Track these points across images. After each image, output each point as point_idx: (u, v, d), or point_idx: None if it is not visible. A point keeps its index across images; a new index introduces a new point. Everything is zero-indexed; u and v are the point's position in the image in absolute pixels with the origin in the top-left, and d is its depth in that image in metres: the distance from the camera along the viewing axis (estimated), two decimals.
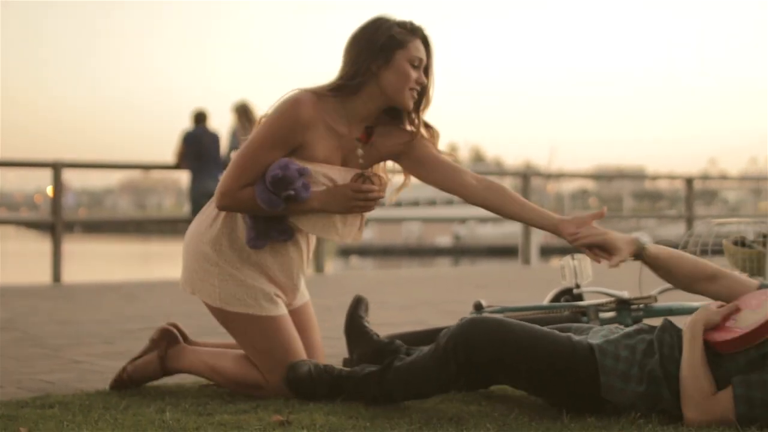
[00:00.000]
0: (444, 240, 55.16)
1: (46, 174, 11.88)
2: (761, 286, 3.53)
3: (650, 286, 4.91)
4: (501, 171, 51.11)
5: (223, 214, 3.85)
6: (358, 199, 3.74)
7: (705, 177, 31.92)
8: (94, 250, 36.13)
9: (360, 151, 3.84)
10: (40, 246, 39.75)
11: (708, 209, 49.79)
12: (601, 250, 3.66)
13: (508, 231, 40.40)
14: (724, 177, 55.14)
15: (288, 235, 3.81)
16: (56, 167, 11.55)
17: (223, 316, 3.85)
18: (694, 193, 17.77)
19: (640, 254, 3.63)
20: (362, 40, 3.78)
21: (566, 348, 3.39)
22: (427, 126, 3.92)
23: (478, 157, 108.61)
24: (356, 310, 4.08)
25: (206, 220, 3.90)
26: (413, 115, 3.87)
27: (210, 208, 3.91)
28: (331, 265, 36.13)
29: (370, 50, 3.75)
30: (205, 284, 3.85)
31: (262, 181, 3.70)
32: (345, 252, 50.56)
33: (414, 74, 3.77)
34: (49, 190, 11.92)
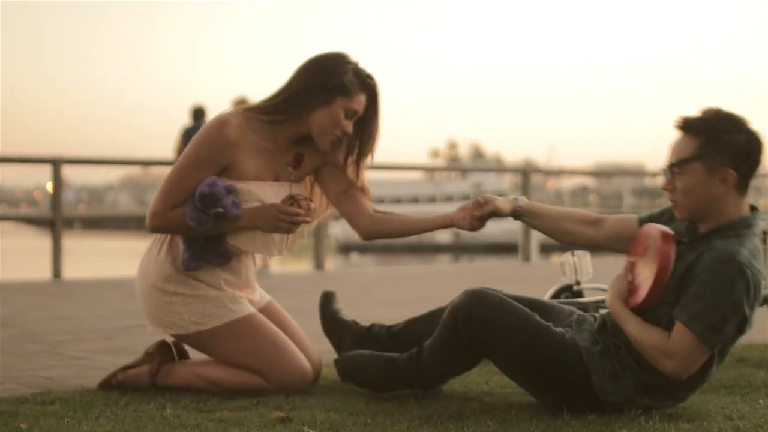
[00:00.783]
0: (444, 237, 55.08)
1: (46, 170, 11.88)
2: (640, 221, 3.64)
3: None
4: (501, 168, 51.16)
5: (164, 247, 3.88)
6: (284, 220, 3.77)
7: None
8: (94, 246, 36.16)
9: (290, 168, 3.88)
10: (39, 242, 39.75)
11: None
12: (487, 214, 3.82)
13: (508, 228, 40.36)
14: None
15: (225, 258, 3.85)
16: (56, 163, 11.54)
17: (202, 339, 3.83)
18: None
19: (517, 211, 3.79)
20: (315, 73, 3.85)
21: (560, 342, 3.40)
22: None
23: (477, 154, 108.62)
24: (327, 308, 4.10)
25: (149, 261, 3.92)
26: (348, 160, 3.98)
27: (151, 251, 3.94)
28: (332, 262, 36.11)
29: (318, 86, 3.82)
30: (173, 317, 3.84)
31: (191, 200, 3.74)
32: (345, 249, 50.56)
33: (344, 122, 3.86)
34: (49, 186, 11.93)
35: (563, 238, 3.79)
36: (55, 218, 11.54)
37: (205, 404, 3.59)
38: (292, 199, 3.79)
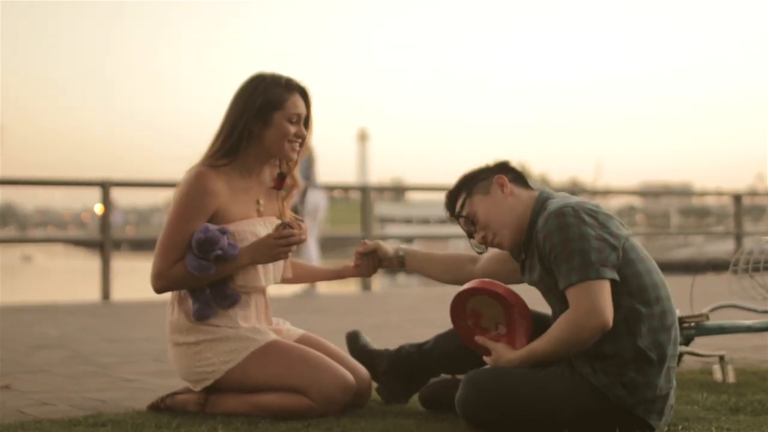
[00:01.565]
0: None
1: (94, 193, 12.00)
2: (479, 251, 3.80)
3: (702, 304, 4.87)
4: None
5: (175, 306, 3.90)
6: (281, 245, 3.80)
7: (753, 193, 31.61)
8: (141, 267, 36.33)
9: (261, 201, 3.96)
10: (88, 263, 40.05)
11: (757, 225, 49.32)
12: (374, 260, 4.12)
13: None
14: None
15: (233, 300, 3.86)
16: (105, 186, 11.66)
17: (237, 378, 3.82)
18: (743, 209, 17.61)
19: (400, 256, 4.14)
20: (240, 104, 3.88)
21: (565, 382, 3.38)
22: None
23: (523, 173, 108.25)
24: (355, 345, 4.13)
25: (167, 325, 3.94)
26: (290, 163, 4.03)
27: (166, 316, 3.96)
28: (378, 284, 36.11)
29: (248, 113, 3.85)
30: (203, 366, 3.84)
31: (189, 251, 3.76)
32: (393, 270, 50.54)
33: (293, 129, 3.89)
34: (99, 209, 12.03)
35: (448, 281, 4.07)
36: (104, 240, 11.65)
37: (256, 426, 3.59)
38: (283, 225, 3.85)
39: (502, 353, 3.48)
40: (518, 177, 3.62)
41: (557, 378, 3.39)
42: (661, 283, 3.44)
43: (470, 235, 3.66)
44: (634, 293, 3.36)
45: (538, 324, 3.63)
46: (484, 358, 3.55)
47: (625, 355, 3.34)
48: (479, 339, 3.57)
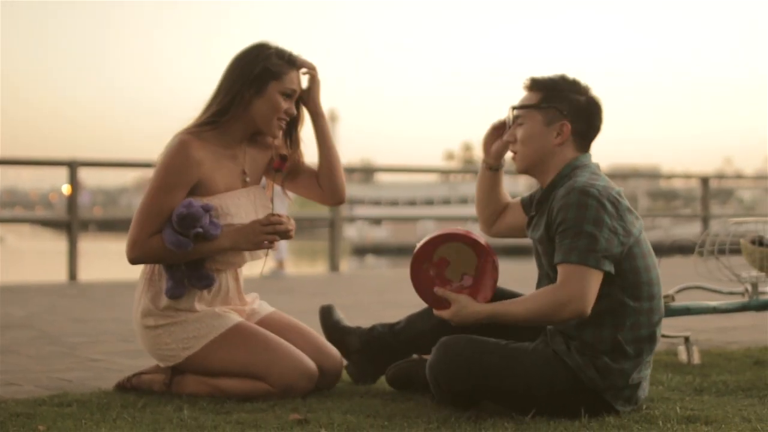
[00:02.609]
0: None
1: (61, 173, 11.91)
2: (522, 201, 3.83)
3: (667, 285, 4.90)
4: (515, 170, 50.96)
5: (142, 285, 3.88)
6: (267, 232, 3.78)
7: (720, 176, 31.77)
8: (109, 248, 36.18)
9: (246, 171, 3.93)
10: (55, 244, 39.82)
11: (723, 208, 49.60)
12: None
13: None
14: (739, 176, 54.94)
15: (208, 282, 3.83)
16: (72, 166, 11.58)
17: (197, 362, 3.81)
18: (710, 192, 17.71)
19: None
20: (238, 68, 3.85)
21: (539, 357, 3.40)
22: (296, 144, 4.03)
23: None
24: (328, 320, 4.13)
25: (134, 302, 3.93)
26: (285, 140, 4.00)
27: (135, 292, 3.94)
28: (346, 264, 36.11)
29: (244, 79, 3.82)
30: (163, 350, 3.84)
31: (168, 225, 3.73)
32: (360, 251, 50.55)
33: (284, 105, 3.86)
34: (66, 189, 11.95)
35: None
36: (71, 220, 11.57)
37: (222, 406, 3.59)
38: (273, 215, 3.83)
39: (466, 304, 3.45)
40: (585, 134, 3.54)
41: (531, 353, 3.41)
42: (656, 280, 3.45)
43: (507, 127, 3.63)
44: (627, 288, 3.37)
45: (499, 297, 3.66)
46: (440, 312, 3.50)
47: (603, 344, 3.36)
48: (439, 290, 3.53)
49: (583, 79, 3.57)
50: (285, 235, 3.84)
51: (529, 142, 3.53)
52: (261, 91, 3.82)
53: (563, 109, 3.49)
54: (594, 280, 3.30)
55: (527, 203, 3.76)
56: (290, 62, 3.88)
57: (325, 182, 4.01)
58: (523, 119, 3.55)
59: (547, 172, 3.53)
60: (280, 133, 3.94)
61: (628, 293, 3.37)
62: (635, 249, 3.39)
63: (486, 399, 3.46)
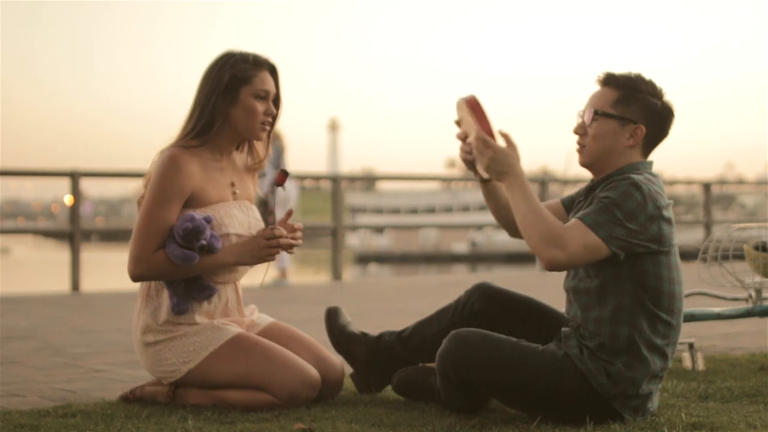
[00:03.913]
0: (461, 247, 55.02)
1: (63, 183, 11.92)
2: (563, 203, 3.76)
3: None
4: None
5: (140, 302, 3.87)
6: (271, 246, 3.77)
7: (722, 182, 31.68)
8: (111, 258, 36.20)
9: (235, 184, 3.94)
10: (57, 255, 39.84)
11: (725, 214, 49.60)
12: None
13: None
14: (741, 182, 54.90)
15: (210, 291, 3.82)
16: (74, 176, 11.58)
17: (199, 376, 3.79)
18: (712, 198, 17.70)
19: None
20: (209, 81, 3.85)
21: (549, 360, 3.39)
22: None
23: None
24: (334, 324, 4.10)
25: (134, 320, 3.92)
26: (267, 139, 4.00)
27: (134, 310, 3.93)
28: (349, 273, 36.09)
29: (217, 91, 3.82)
30: (164, 366, 3.82)
31: (171, 240, 3.72)
32: (363, 259, 50.57)
33: (262, 107, 3.86)
34: (68, 199, 11.95)
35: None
36: (74, 231, 11.57)
37: (226, 416, 3.58)
38: (272, 228, 3.82)
39: (516, 155, 3.41)
40: (654, 140, 3.53)
41: (543, 353, 3.41)
42: (679, 296, 3.44)
43: (579, 118, 3.57)
44: (649, 290, 3.37)
45: (542, 314, 3.73)
46: (491, 146, 3.40)
47: (618, 343, 3.35)
48: (501, 131, 3.46)
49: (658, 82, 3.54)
50: (289, 248, 3.83)
51: (600, 139, 3.49)
52: (235, 99, 3.83)
53: (640, 112, 3.46)
54: (593, 247, 3.29)
55: (568, 203, 3.74)
56: (256, 63, 3.87)
57: None
58: (600, 116, 3.49)
59: (607, 170, 3.51)
60: (265, 135, 3.95)
61: (649, 297, 3.37)
62: (662, 258, 3.39)
63: (493, 393, 3.46)
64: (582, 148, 3.54)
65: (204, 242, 3.69)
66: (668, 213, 3.40)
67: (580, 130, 3.54)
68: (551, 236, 3.29)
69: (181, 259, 3.68)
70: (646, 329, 3.37)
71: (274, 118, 3.94)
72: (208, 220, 3.73)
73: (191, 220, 3.69)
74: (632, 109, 3.46)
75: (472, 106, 3.48)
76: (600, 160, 3.51)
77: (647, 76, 3.53)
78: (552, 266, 3.30)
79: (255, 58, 3.88)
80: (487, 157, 3.39)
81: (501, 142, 3.42)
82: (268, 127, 3.92)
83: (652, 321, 3.38)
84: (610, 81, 3.51)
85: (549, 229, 3.30)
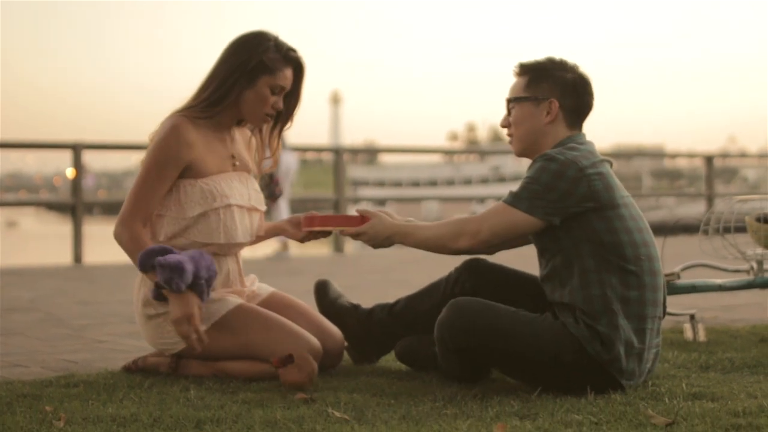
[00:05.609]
0: None
1: (65, 156, 11.91)
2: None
3: (672, 263, 4.90)
4: None
5: (139, 275, 3.86)
6: (186, 335, 3.65)
7: (725, 155, 31.72)
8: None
9: (235, 156, 3.95)
10: (60, 227, 39.87)
11: (728, 187, 49.53)
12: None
13: None
14: (743, 155, 54.81)
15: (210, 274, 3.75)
16: (76, 149, 11.58)
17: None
18: (714, 171, 17.69)
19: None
20: (236, 58, 3.84)
21: (548, 328, 3.42)
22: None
23: (496, 137, 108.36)
24: (324, 298, 4.12)
25: (135, 293, 3.92)
26: (271, 135, 4.04)
27: (135, 281, 3.94)
28: (351, 245, 36.10)
29: (241, 69, 3.82)
30: (165, 337, 3.82)
31: (151, 255, 3.64)
32: None
33: (272, 99, 3.87)
34: (70, 172, 11.96)
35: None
36: (76, 203, 11.58)
37: (228, 386, 3.59)
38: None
39: (382, 218, 3.63)
40: (575, 111, 3.60)
41: (542, 321, 3.44)
42: (641, 242, 3.47)
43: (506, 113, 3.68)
44: (608, 246, 3.41)
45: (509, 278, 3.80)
46: (355, 229, 3.66)
47: (594, 305, 3.38)
48: (359, 209, 3.72)
49: (571, 59, 3.63)
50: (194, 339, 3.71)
51: (521, 123, 3.60)
52: (252, 82, 3.83)
53: (550, 89, 3.57)
54: (516, 222, 3.44)
55: None
56: (286, 59, 3.87)
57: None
58: (514, 103, 3.62)
59: (541, 153, 3.56)
60: (264, 126, 3.97)
61: (611, 251, 3.41)
62: (608, 212, 3.43)
63: (491, 362, 3.49)
64: (511, 139, 3.67)
65: (203, 284, 3.65)
66: (597, 169, 3.45)
67: (505, 122, 3.67)
68: (451, 232, 3.50)
69: (152, 292, 3.65)
70: (617, 284, 3.40)
71: (279, 112, 3.95)
72: (196, 258, 3.65)
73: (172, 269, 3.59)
74: (542, 87, 3.58)
75: (312, 223, 3.79)
76: (530, 145, 3.61)
77: (559, 56, 3.63)
78: (469, 251, 3.52)
79: (287, 52, 3.87)
80: (365, 241, 3.64)
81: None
82: (269, 119, 3.92)
83: (622, 275, 3.41)
84: (520, 69, 3.64)
85: (447, 228, 3.52)
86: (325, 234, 3.90)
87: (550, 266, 3.50)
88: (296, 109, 4.00)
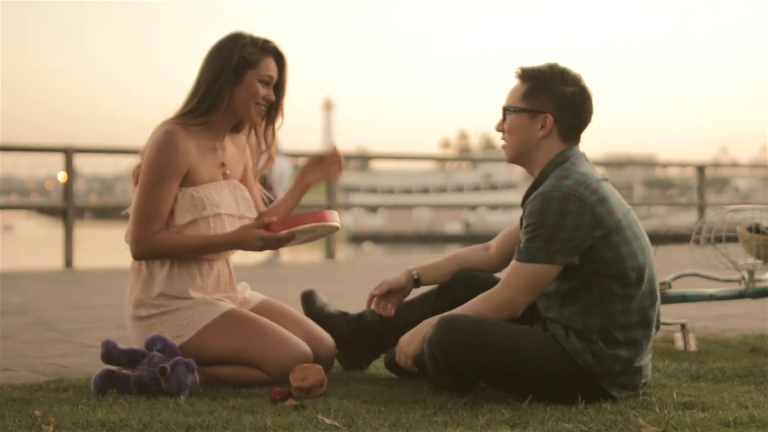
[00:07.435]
0: (454, 227, 55.06)
1: (57, 160, 11.89)
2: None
3: (664, 273, 4.90)
4: None
5: (132, 277, 3.87)
6: (264, 241, 3.79)
7: (716, 165, 31.75)
8: (105, 235, 36.21)
9: (225, 164, 3.95)
10: (51, 231, 39.81)
11: (719, 197, 49.61)
12: None
13: (518, 218, 40.44)
14: (735, 165, 54.92)
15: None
16: (68, 153, 11.55)
17: (191, 351, 3.75)
18: (706, 181, 17.71)
19: (414, 278, 4.10)
20: (217, 60, 3.86)
21: (538, 342, 3.41)
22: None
23: (488, 145, 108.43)
24: (312, 308, 4.12)
25: (126, 297, 3.91)
26: (266, 131, 4.05)
27: (125, 289, 3.93)
28: (343, 252, 36.10)
29: (224, 71, 3.83)
30: None
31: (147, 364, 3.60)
32: (356, 239, 50.59)
33: (263, 91, 3.88)
34: (62, 176, 11.93)
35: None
36: (67, 207, 11.55)
37: (218, 391, 3.59)
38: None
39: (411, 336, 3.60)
40: (571, 126, 3.55)
41: (531, 335, 3.43)
42: (644, 264, 3.44)
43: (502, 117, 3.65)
44: (614, 275, 3.38)
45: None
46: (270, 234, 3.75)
47: (593, 333, 3.37)
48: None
49: (574, 69, 3.58)
50: (286, 243, 3.85)
51: (515, 134, 3.56)
52: (239, 79, 3.84)
53: (548, 102, 3.51)
54: (540, 275, 3.38)
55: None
56: (265, 49, 3.89)
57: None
58: (510, 112, 3.58)
59: (533, 164, 3.56)
60: (260, 119, 3.96)
61: (615, 281, 3.38)
62: (614, 237, 3.39)
63: (483, 378, 3.47)
64: (504, 146, 3.64)
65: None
66: (597, 195, 3.41)
67: (500, 127, 3.63)
68: (495, 308, 3.45)
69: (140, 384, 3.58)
70: (618, 312, 3.39)
71: (272, 104, 3.95)
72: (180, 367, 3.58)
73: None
74: (540, 100, 3.52)
75: (277, 229, 3.78)
76: (522, 155, 3.58)
77: (562, 65, 3.57)
78: (504, 301, 3.44)
79: (264, 43, 3.90)
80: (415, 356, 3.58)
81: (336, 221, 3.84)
82: (263, 111, 3.92)
83: (623, 302, 3.40)
84: (521, 74, 3.58)
85: (489, 306, 3.46)
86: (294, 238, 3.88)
87: (553, 287, 3.46)
88: (283, 99, 4.01)
